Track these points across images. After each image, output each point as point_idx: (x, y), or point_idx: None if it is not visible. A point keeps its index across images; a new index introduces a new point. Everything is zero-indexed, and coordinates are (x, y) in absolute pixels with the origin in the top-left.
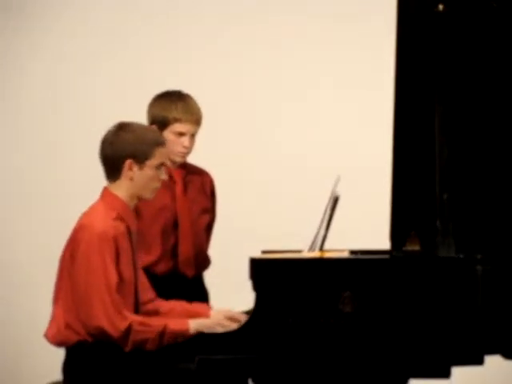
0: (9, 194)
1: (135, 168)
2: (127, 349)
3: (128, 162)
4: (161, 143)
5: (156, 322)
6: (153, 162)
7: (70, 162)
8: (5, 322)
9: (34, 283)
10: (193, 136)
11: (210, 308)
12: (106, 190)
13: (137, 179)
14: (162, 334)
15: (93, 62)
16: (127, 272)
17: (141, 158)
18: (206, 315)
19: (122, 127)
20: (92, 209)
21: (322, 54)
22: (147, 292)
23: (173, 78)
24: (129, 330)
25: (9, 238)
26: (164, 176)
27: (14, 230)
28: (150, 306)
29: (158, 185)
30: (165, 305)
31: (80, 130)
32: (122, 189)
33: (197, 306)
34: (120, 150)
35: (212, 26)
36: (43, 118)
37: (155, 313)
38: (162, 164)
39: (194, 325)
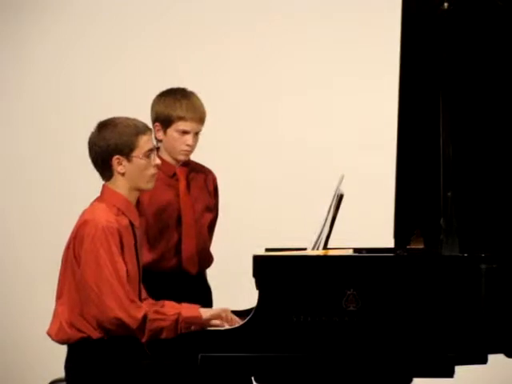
0: (9, 190)
1: (124, 162)
2: (144, 339)
3: (115, 158)
4: (142, 131)
5: (170, 311)
6: (139, 151)
7: (69, 160)
8: (7, 319)
9: (35, 280)
10: (196, 134)
11: (198, 307)
12: (105, 187)
13: (129, 172)
14: (177, 321)
15: (94, 60)
16: (131, 267)
17: (126, 152)
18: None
19: (102, 126)
20: (93, 205)
21: (326, 53)
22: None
23: (175, 74)
24: (145, 318)
25: (9, 236)
26: (157, 160)
27: (14, 228)
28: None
29: (152, 171)
30: (155, 302)
31: (81, 128)
32: (119, 185)
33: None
34: (104, 149)
35: (215, 24)
36: (43, 116)
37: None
38: (151, 150)
39: (204, 311)
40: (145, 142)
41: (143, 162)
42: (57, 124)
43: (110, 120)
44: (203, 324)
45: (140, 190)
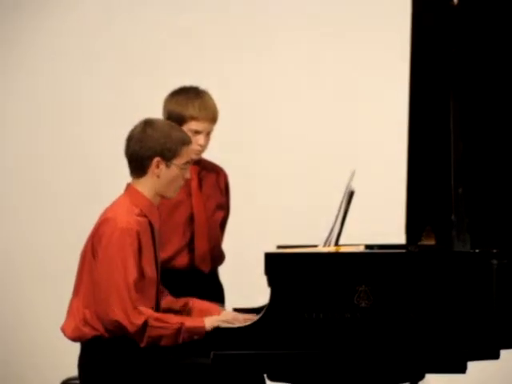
0: (17, 191)
1: (162, 166)
2: (142, 344)
3: (156, 159)
4: (187, 142)
5: (173, 320)
6: (180, 160)
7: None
8: (20, 317)
9: (47, 278)
10: (208, 134)
11: (220, 310)
12: (130, 187)
13: (163, 177)
14: (179, 331)
15: (94, 58)
16: (149, 268)
17: (168, 157)
18: (217, 313)
19: (148, 124)
20: (116, 204)
21: (337, 47)
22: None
23: (183, 73)
24: (145, 325)
25: (20, 233)
26: (188, 175)
27: (25, 226)
28: (162, 304)
29: (181, 183)
30: (176, 300)
31: (91, 129)
32: (147, 186)
33: (208, 305)
34: (148, 148)
35: (217, 19)
36: (43, 114)
37: (165, 311)
38: (188, 163)
39: (209, 322)
40: (186, 153)
41: (178, 171)
42: (60, 124)
43: (158, 120)
44: (207, 334)
45: (162, 197)
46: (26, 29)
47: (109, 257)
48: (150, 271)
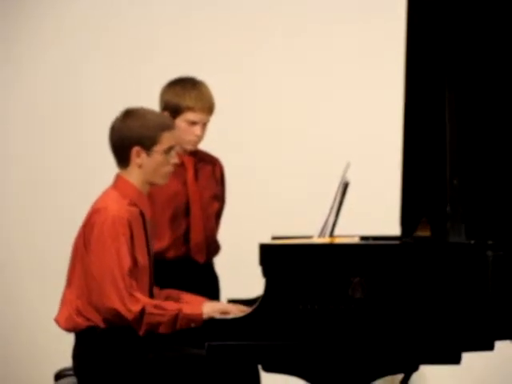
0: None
1: (143, 154)
2: (141, 332)
3: (135, 148)
4: (167, 127)
5: (170, 306)
6: (160, 147)
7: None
8: (15, 308)
9: (41, 270)
10: (205, 125)
11: (203, 300)
12: (118, 177)
13: (146, 165)
14: (176, 317)
15: (92, 51)
16: (141, 257)
17: (147, 144)
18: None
19: (128, 114)
20: (105, 194)
21: (330, 40)
22: None
23: (179, 65)
24: (142, 312)
25: (14, 227)
26: (175, 160)
27: (20, 218)
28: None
29: (169, 169)
30: (160, 292)
31: (84, 122)
32: (133, 175)
33: (190, 298)
34: (126, 137)
35: (215, 11)
36: (40, 110)
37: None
38: (171, 148)
39: (207, 309)
40: (167, 139)
41: (162, 157)
42: (56, 117)
43: (137, 109)
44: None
45: (152, 185)
46: (24, 27)
47: (101, 246)
48: (143, 260)
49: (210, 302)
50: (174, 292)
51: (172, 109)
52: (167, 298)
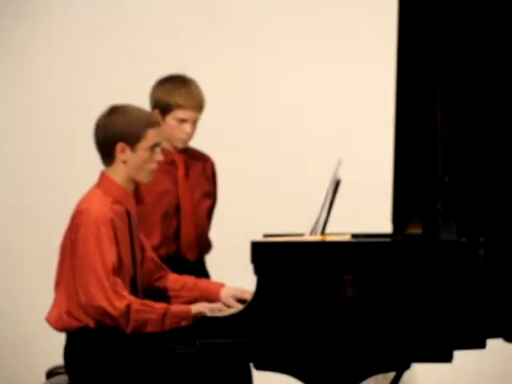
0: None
1: (128, 151)
2: (128, 330)
3: (119, 145)
4: (152, 124)
5: (158, 304)
6: (145, 144)
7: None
8: (5, 307)
9: (33, 269)
10: (195, 122)
11: (221, 285)
12: (102, 175)
13: (130, 162)
14: (164, 315)
15: (86, 49)
16: (125, 255)
17: (132, 141)
18: (216, 292)
19: (112, 110)
20: (89, 194)
21: (322, 39)
22: (158, 269)
23: (173, 62)
24: (128, 308)
25: (7, 225)
26: (160, 157)
27: (11, 217)
28: (159, 283)
29: (153, 166)
30: (177, 279)
31: (75, 119)
32: (118, 172)
33: (207, 283)
34: (111, 134)
35: (213, 11)
36: (36, 109)
37: (165, 290)
38: (156, 145)
39: (196, 307)
40: (152, 136)
41: (146, 154)
42: (50, 115)
43: (122, 106)
44: (194, 319)
45: (137, 182)
46: (19, 30)
47: (85, 246)
48: (126, 257)
49: (229, 287)
50: (190, 280)
51: (162, 106)
52: (182, 288)
